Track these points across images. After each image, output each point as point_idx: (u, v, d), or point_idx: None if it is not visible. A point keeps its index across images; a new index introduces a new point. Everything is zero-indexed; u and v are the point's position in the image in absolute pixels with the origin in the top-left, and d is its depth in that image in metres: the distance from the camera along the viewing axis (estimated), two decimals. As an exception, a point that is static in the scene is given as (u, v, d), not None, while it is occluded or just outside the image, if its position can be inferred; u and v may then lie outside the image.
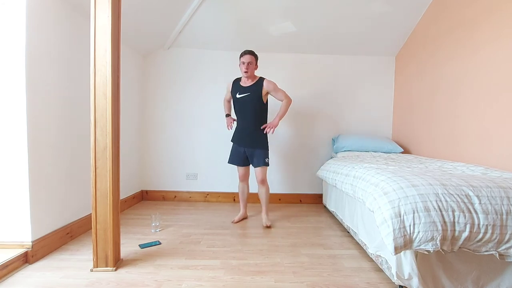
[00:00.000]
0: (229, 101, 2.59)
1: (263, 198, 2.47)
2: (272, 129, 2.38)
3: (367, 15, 2.68)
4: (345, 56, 3.20)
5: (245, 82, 2.39)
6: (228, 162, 2.50)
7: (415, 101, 2.81)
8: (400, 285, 1.37)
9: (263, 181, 2.43)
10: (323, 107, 3.23)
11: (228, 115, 2.59)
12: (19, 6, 1.55)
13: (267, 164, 2.41)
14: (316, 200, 3.21)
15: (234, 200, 3.19)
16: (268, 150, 2.44)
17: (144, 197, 3.18)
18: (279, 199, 3.20)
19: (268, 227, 2.36)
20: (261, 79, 2.38)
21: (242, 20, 2.77)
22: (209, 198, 3.19)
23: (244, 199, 2.56)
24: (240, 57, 2.35)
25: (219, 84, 3.15)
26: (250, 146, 2.39)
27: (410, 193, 1.30)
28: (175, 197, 3.19)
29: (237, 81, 2.45)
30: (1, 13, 1.54)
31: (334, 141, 3.09)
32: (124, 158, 2.70)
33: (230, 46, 3.08)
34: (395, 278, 1.33)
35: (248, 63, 2.30)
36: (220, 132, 3.16)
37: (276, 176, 3.20)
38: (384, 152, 2.82)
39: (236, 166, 2.54)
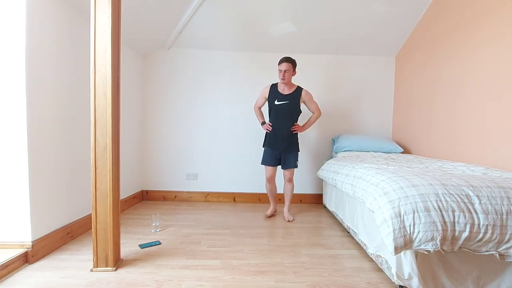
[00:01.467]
0: (260, 108, 2.67)
1: (288, 194, 2.64)
2: (297, 131, 2.55)
3: (367, 15, 2.68)
4: (345, 56, 3.20)
5: (284, 90, 2.49)
6: (262, 163, 2.62)
7: (415, 101, 2.81)
8: (400, 285, 1.37)
9: (290, 180, 2.61)
10: (323, 107, 3.22)
11: (263, 123, 2.62)
12: (19, 6, 1.55)
13: (296, 166, 2.58)
14: (316, 200, 3.21)
15: (235, 200, 3.19)
16: (299, 152, 2.60)
17: (144, 197, 3.18)
18: (279, 199, 3.20)
19: (290, 221, 2.54)
20: (299, 89, 2.52)
21: (242, 20, 2.77)
22: (209, 198, 3.19)
23: (274, 197, 2.71)
24: (278, 64, 2.44)
25: (219, 84, 3.15)
26: (285, 150, 2.53)
27: (410, 193, 1.30)
28: (175, 197, 3.19)
29: (274, 87, 2.53)
30: (1, 13, 1.54)
31: (334, 141, 3.09)
32: (124, 158, 2.70)
33: (230, 46, 3.08)
34: (395, 278, 1.33)
35: (285, 71, 2.39)
36: (220, 132, 3.17)
37: (276, 176, 3.19)
38: (384, 152, 2.82)
39: (265, 167, 2.62)
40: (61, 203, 1.88)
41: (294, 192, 3.20)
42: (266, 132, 2.58)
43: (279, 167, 2.62)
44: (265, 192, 3.10)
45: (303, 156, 3.21)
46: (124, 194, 2.75)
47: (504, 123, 1.80)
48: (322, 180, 3.09)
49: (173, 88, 3.16)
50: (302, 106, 2.57)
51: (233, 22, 2.79)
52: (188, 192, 3.19)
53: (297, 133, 2.57)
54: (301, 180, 3.23)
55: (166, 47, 3.10)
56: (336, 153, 2.97)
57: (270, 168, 2.57)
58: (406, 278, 1.30)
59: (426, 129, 2.62)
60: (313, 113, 2.59)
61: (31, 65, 1.60)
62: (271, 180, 2.61)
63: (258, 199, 3.18)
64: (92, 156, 1.51)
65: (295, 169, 2.62)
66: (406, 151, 2.94)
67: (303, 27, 2.83)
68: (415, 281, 1.27)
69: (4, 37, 1.55)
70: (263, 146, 2.63)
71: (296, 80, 3.19)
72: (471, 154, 2.06)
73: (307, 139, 3.22)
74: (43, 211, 1.72)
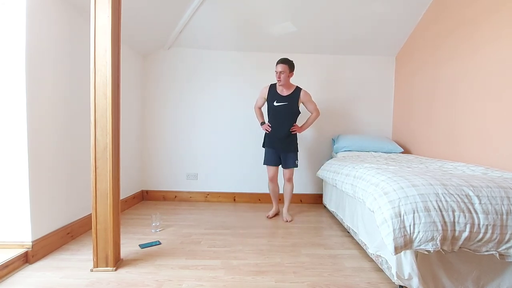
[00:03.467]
0: (260, 108, 2.67)
1: (287, 194, 2.64)
2: (296, 131, 2.55)
3: (367, 15, 2.68)
4: (345, 56, 3.20)
5: (282, 91, 2.49)
6: (264, 164, 2.63)
7: (415, 101, 2.81)
8: (400, 285, 1.37)
9: (290, 179, 2.61)
10: (323, 107, 3.22)
11: (263, 123, 2.62)
12: (19, 6, 1.55)
13: (296, 166, 2.58)
14: (316, 200, 3.21)
15: (235, 200, 3.19)
16: (297, 152, 2.61)
17: (145, 197, 3.18)
18: (279, 199, 3.20)
19: (289, 221, 2.52)
20: (298, 89, 2.51)
21: (242, 20, 2.77)
22: (209, 198, 3.19)
23: (276, 197, 2.73)
24: (276, 65, 2.43)
25: (219, 84, 3.16)
26: (284, 150, 2.54)
27: (411, 193, 1.30)
28: (175, 197, 3.19)
29: (273, 88, 2.53)
30: (1, 13, 1.54)
31: (334, 141, 3.09)
32: (124, 158, 2.70)
33: (230, 46, 3.08)
34: (395, 278, 1.33)
35: (280, 72, 2.37)
36: (221, 131, 3.17)
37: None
38: (384, 152, 2.82)
39: (266, 167, 2.64)
40: (61, 203, 1.88)
41: (294, 192, 3.20)
42: (266, 132, 2.58)
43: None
44: (266, 192, 3.12)
45: (303, 156, 3.22)
46: (124, 194, 2.75)
47: (504, 123, 1.80)
48: (322, 180, 3.09)
49: (173, 88, 3.16)
50: (301, 106, 2.57)
51: (233, 22, 2.79)
52: (188, 192, 3.19)
53: (296, 133, 2.57)
54: (301, 180, 3.23)
55: (166, 47, 3.10)
56: (336, 153, 2.97)
57: (272, 167, 2.59)
58: (406, 278, 1.30)
59: (426, 129, 2.62)
60: (311, 113, 2.58)
61: (31, 65, 1.60)
62: (273, 179, 2.62)
63: (258, 199, 3.18)
64: (92, 156, 1.51)
65: (295, 168, 2.63)
66: (406, 151, 2.94)
67: (303, 27, 2.83)
68: (415, 281, 1.27)
69: (4, 37, 1.55)
70: (263, 146, 2.64)
71: (296, 80, 3.19)
72: (471, 154, 2.06)
73: (307, 139, 3.22)
74: (43, 211, 1.72)
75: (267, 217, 2.61)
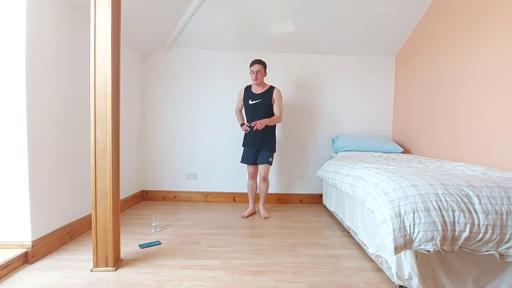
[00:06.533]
0: (240, 111, 2.77)
1: (262, 192, 2.70)
2: (258, 125, 2.41)
3: (367, 15, 2.68)
4: (345, 56, 3.20)
5: (257, 89, 2.61)
6: (241, 162, 2.71)
7: (415, 101, 2.81)
8: (400, 285, 1.37)
9: (265, 179, 2.62)
10: (323, 107, 3.23)
11: (242, 124, 2.67)
12: (19, 6, 1.55)
13: (270, 163, 2.61)
14: (316, 200, 3.21)
15: (234, 200, 3.19)
16: (273, 152, 2.65)
17: (144, 197, 3.18)
18: (279, 199, 3.20)
19: (266, 218, 2.61)
20: (272, 88, 2.62)
21: (242, 20, 2.77)
22: (209, 198, 3.19)
23: (253, 196, 2.76)
24: (250, 66, 2.56)
25: (219, 84, 3.15)
26: (259, 147, 2.60)
27: (410, 193, 1.30)
28: (175, 197, 3.18)
29: (248, 88, 2.66)
30: (1, 13, 1.54)
31: (334, 141, 3.09)
32: (124, 158, 2.70)
33: (230, 46, 3.08)
34: (395, 278, 1.33)
35: (257, 72, 2.52)
36: (221, 131, 3.17)
37: (276, 176, 3.20)
38: (384, 152, 2.82)
39: (246, 165, 2.73)
40: (61, 203, 1.88)
41: (295, 192, 3.21)
42: (245, 132, 2.64)
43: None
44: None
45: (303, 156, 3.22)
46: (124, 194, 2.75)
47: (504, 123, 1.80)
48: (322, 180, 3.09)
49: (173, 88, 3.15)
50: None
51: (233, 22, 2.79)
52: (188, 192, 3.19)
53: (274, 133, 2.65)
54: (301, 180, 3.23)
55: (166, 47, 3.10)
56: (336, 153, 2.97)
57: (251, 166, 2.67)
58: (406, 278, 1.30)
59: (426, 129, 2.62)
60: (275, 113, 2.60)
61: (31, 65, 1.60)
62: (252, 176, 2.70)
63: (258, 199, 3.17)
64: (92, 156, 1.51)
65: (271, 167, 2.68)
66: (406, 151, 2.94)
67: (303, 27, 2.82)
68: (415, 281, 1.27)
69: (4, 37, 1.55)
70: (242, 146, 2.71)
71: (297, 79, 3.19)
72: (471, 154, 2.06)
73: (306, 139, 3.22)
74: (43, 211, 1.72)
75: (242, 217, 2.61)
